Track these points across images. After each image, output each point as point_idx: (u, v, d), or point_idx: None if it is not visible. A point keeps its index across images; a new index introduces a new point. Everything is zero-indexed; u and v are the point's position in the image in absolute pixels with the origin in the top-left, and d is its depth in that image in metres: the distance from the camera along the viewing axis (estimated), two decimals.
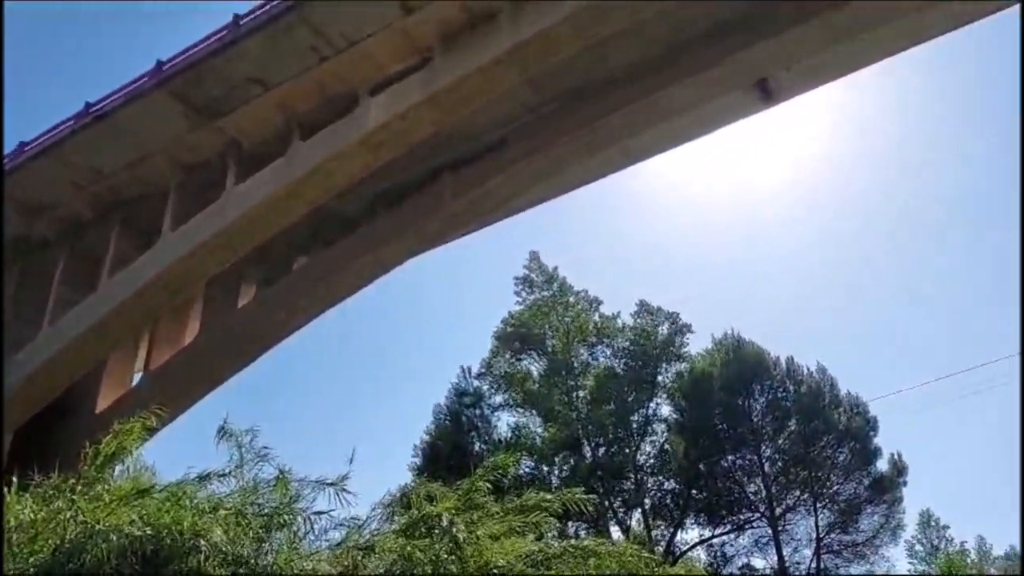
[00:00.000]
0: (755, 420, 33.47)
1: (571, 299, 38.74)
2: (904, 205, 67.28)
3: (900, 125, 63.86)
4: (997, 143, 66.13)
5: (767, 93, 20.52)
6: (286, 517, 9.71)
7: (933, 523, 37.25)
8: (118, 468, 11.01)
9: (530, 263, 39.24)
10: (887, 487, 32.90)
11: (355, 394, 73.53)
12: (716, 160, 64.56)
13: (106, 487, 10.04)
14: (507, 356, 37.12)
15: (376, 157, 18.81)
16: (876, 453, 33.27)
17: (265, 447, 10.93)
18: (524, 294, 38.87)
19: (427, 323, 76.03)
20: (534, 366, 36.99)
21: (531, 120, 21.03)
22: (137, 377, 24.15)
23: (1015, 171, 62.78)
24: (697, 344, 36.64)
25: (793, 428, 33.19)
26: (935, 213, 67.80)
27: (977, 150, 66.10)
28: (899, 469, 33.36)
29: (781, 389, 33.97)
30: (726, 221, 70.31)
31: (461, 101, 18.02)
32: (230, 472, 10.52)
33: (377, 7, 17.61)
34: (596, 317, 38.34)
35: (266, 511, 9.80)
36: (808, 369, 34.51)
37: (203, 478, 10.26)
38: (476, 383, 37.02)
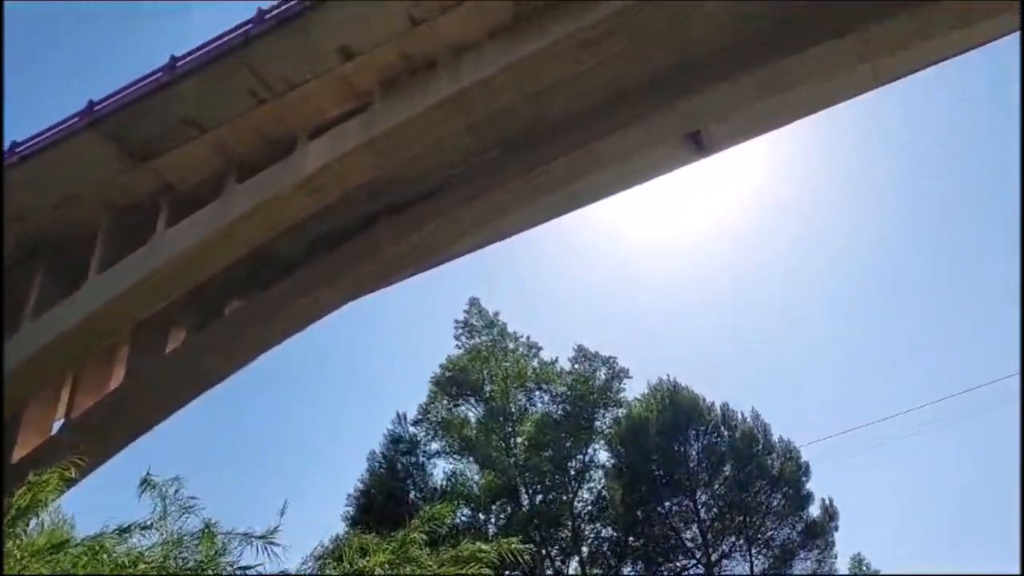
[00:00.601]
0: (691, 465, 33.78)
1: (510, 344, 38.86)
2: (834, 252, 69.79)
3: (832, 172, 66.60)
4: (922, 193, 69.39)
5: (700, 145, 21.21)
6: (211, 572, 9.38)
7: (864, 567, 37.92)
8: (33, 522, 10.50)
9: (470, 308, 39.32)
10: (819, 532, 33.45)
11: (298, 438, 71.94)
12: (659, 205, 66.40)
13: (18, 542, 9.53)
14: (444, 402, 36.85)
15: (314, 200, 18.67)
16: (808, 498, 33.87)
17: (192, 497, 10.58)
18: (464, 339, 38.84)
19: (372, 365, 75.36)
20: (471, 412, 36.80)
21: (472, 166, 21.17)
22: (58, 425, 23.11)
23: (938, 218, 65.87)
24: (634, 389, 36.99)
25: (728, 473, 33.60)
26: (863, 259, 70.56)
27: (902, 198, 69.19)
28: (830, 514, 33.98)
29: (716, 435, 34.44)
30: (666, 265, 71.75)
31: (400, 146, 18.09)
32: (152, 524, 10.13)
33: (316, 53, 17.64)
34: (535, 363, 38.47)
35: (190, 565, 9.45)
36: (742, 414, 35.11)
37: (123, 531, 9.86)
38: (412, 430, 36.62)
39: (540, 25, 16.78)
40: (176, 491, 10.56)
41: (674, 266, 69.59)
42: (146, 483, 10.61)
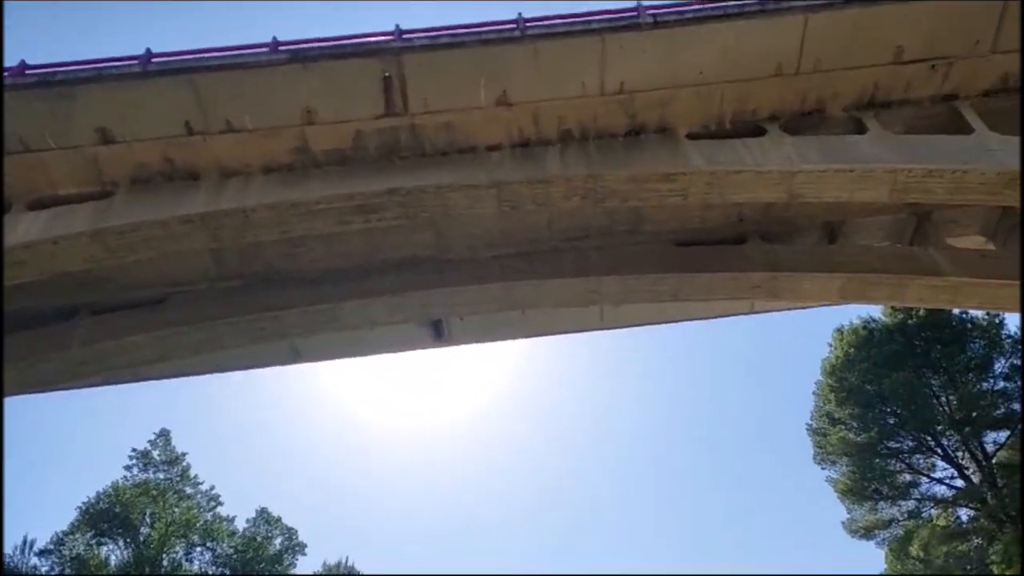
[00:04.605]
0: None
1: (189, 489, 35.46)
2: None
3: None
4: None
5: (439, 333, 21.89)
6: None
7: None
8: None
9: (157, 439, 35.71)
10: None
11: None
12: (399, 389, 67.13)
13: None
14: (88, 535, 32.05)
15: (9, 275, 16.39)
16: None
17: None
18: (136, 470, 34.84)
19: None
20: (115, 554, 32.22)
21: (204, 289, 19.98)
22: None
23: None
24: (308, 565, 34.85)
25: None
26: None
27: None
28: None
29: None
30: (395, 453, 71.23)
31: (130, 247, 16.62)
32: None
33: (72, 126, 16.19)
34: (209, 515, 35.13)
35: None
36: None
37: None
38: (35, 561, 31.13)
39: (321, 177, 16.81)
40: None
41: (405, 455, 69.35)
42: None
